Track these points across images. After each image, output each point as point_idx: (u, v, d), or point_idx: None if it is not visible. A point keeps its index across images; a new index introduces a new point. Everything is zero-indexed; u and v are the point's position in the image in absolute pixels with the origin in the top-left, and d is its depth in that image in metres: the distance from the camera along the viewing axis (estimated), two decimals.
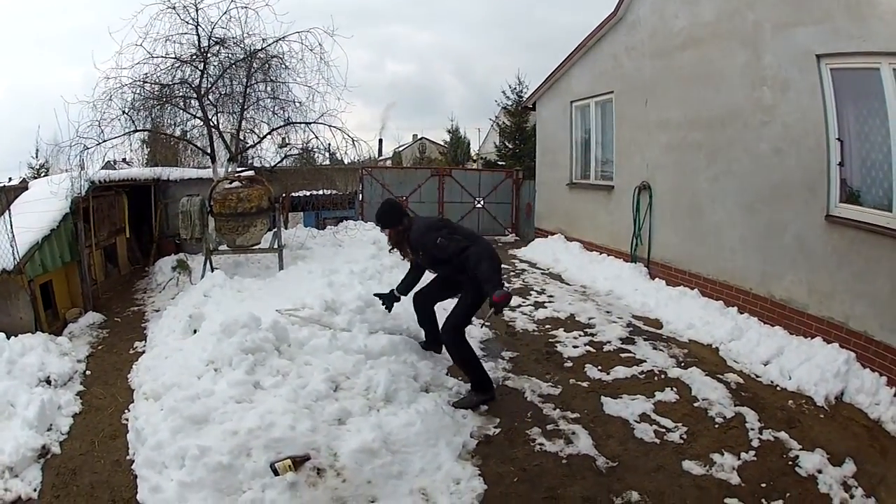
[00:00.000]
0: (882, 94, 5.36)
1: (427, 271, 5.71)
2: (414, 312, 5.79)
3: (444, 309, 5.47)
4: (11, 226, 6.43)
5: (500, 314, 5.00)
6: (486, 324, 6.25)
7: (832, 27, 5.80)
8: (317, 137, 10.71)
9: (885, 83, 5.33)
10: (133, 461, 4.31)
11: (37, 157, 20.28)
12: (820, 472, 4.26)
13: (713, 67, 7.61)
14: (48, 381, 5.52)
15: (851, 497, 4.05)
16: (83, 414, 5.19)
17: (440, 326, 5.33)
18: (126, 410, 5.10)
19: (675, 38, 8.33)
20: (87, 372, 6.06)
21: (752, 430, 4.78)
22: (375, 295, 5.95)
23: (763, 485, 4.14)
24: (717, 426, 4.87)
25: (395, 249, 5.62)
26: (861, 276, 5.63)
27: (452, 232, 5.13)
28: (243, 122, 10.49)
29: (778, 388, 5.52)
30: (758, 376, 5.77)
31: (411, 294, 5.77)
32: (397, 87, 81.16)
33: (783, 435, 4.70)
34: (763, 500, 3.99)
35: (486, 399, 5.09)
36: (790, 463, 4.38)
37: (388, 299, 5.84)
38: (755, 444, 4.60)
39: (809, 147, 6.14)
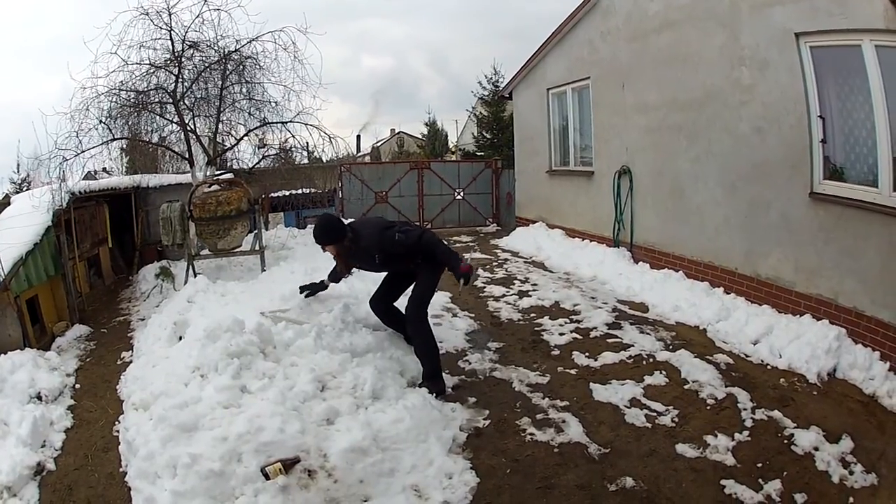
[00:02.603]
0: (864, 70, 5.35)
1: (373, 272, 5.74)
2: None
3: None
4: None
5: (469, 284, 5.06)
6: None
7: (811, 5, 5.78)
8: (293, 136, 10.71)
9: (866, 60, 5.31)
10: (126, 473, 4.25)
11: (18, 171, 20.11)
12: (816, 449, 4.29)
13: (690, 49, 7.60)
14: (39, 397, 5.48)
15: (851, 473, 4.07)
16: (75, 428, 5.15)
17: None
18: (117, 422, 5.05)
19: (651, 20, 8.31)
20: (77, 385, 6.00)
21: (745, 410, 4.78)
22: (302, 287, 5.90)
23: (759, 464, 4.15)
24: (708, 408, 4.87)
25: (341, 264, 5.55)
26: (849, 252, 5.64)
27: (400, 225, 5.36)
28: (220, 125, 10.43)
29: (769, 367, 5.53)
30: (748, 356, 5.77)
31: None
32: (374, 82, 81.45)
33: (776, 414, 4.70)
34: (760, 480, 4.01)
35: (437, 393, 5.00)
36: (785, 441, 4.40)
37: (316, 288, 5.89)
38: (748, 423, 4.61)
39: (791, 125, 6.15)
